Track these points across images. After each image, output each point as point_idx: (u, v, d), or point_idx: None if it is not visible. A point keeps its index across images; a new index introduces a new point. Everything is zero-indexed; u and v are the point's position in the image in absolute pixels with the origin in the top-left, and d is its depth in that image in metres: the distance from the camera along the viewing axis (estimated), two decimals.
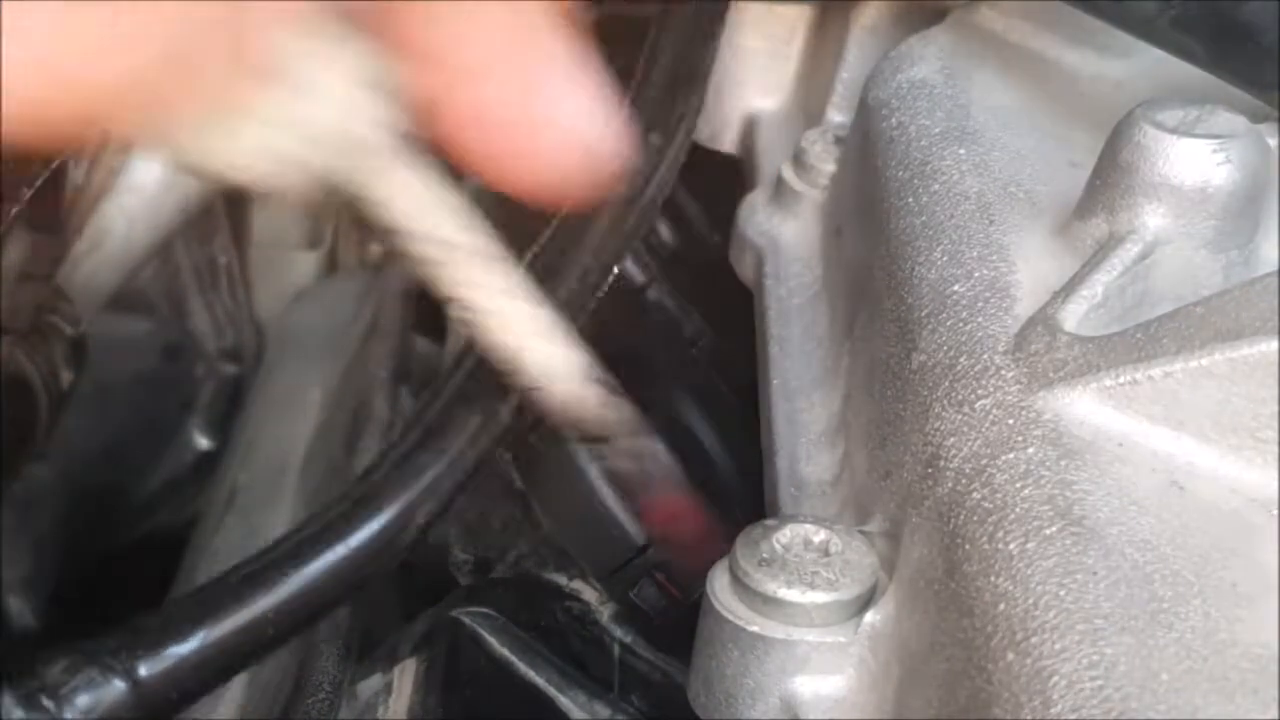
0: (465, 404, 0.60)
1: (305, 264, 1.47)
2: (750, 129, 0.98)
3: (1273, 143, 0.62)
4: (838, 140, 0.84)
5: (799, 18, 0.99)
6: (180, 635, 0.54)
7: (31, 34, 0.32)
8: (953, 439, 0.57)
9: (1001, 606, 0.50)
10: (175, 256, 1.33)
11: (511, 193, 0.44)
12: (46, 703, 0.51)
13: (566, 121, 0.43)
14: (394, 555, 0.58)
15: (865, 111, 0.78)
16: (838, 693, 0.56)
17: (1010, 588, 0.50)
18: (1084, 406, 0.55)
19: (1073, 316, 0.58)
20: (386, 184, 0.43)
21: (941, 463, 0.57)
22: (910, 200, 0.70)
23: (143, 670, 0.52)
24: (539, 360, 0.52)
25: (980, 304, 0.62)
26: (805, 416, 0.72)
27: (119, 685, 0.52)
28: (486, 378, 0.60)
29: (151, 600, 1.05)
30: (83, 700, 0.51)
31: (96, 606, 1.30)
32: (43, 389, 0.82)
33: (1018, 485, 0.53)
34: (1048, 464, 0.54)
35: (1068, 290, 0.59)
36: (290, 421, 1.08)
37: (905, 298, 0.66)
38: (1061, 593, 0.49)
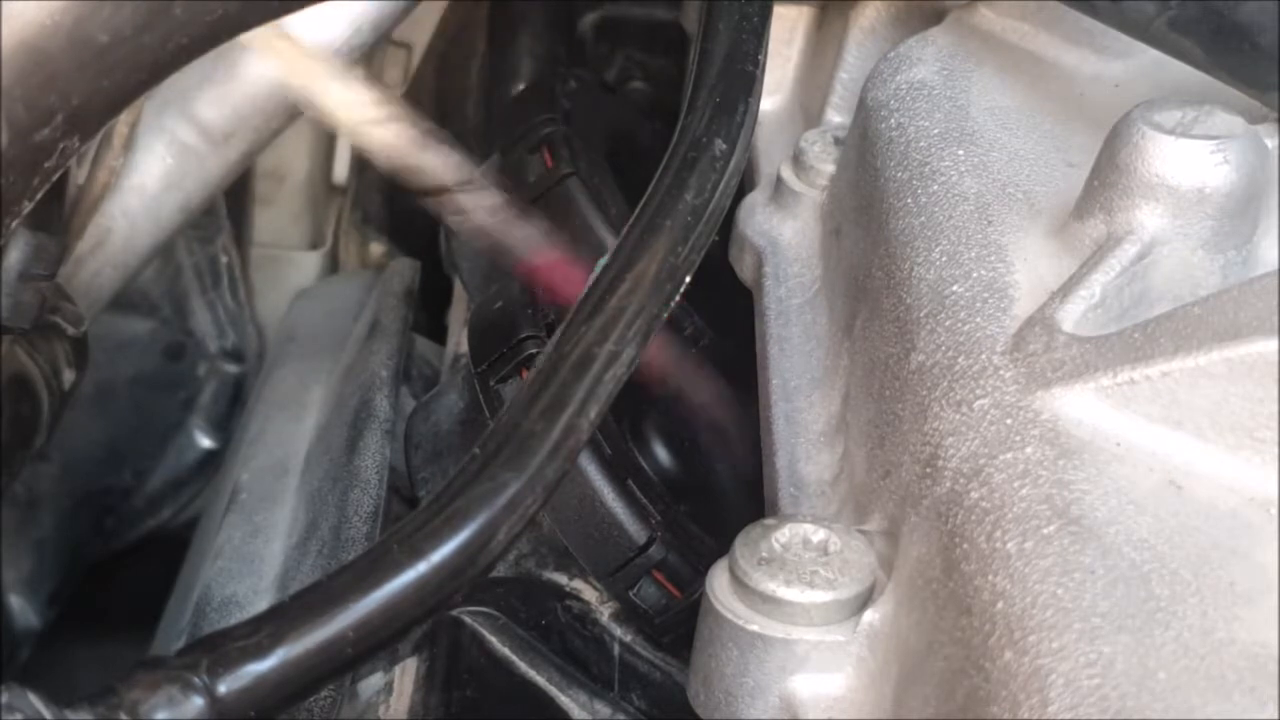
0: (544, 419, 0.58)
1: (306, 264, 1.47)
2: None
3: (1270, 143, 0.62)
4: (837, 141, 0.84)
5: (798, 18, 0.99)
6: (260, 653, 0.53)
7: None
8: (951, 439, 0.57)
9: (999, 605, 0.50)
10: (177, 256, 1.34)
11: None
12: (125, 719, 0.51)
13: None
14: (475, 573, 0.56)
15: (864, 112, 0.78)
16: (837, 691, 0.57)
17: (1008, 586, 0.50)
18: (1082, 406, 0.55)
19: (1071, 317, 0.58)
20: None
21: (940, 462, 0.57)
22: (909, 201, 0.70)
23: (222, 688, 0.52)
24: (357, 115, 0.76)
25: (979, 304, 0.62)
26: (805, 416, 0.72)
27: (198, 702, 0.51)
28: (563, 392, 0.59)
29: (153, 600, 1.06)
30: (161, 717, 0.51)
31: (97, 606, 1.31)
32: (45, 389, 0.82)
33: (1016, 485, 0.53)
34: (1045, 463, 0.54)
35: (1066, 290, 0.59)
36: (292, 421, 1.09)
37: (904, 298, 0.66)
38: (1059, 591, 0.49)
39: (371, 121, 0.74)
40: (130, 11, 0.50)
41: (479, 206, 0.77)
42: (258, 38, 0.72)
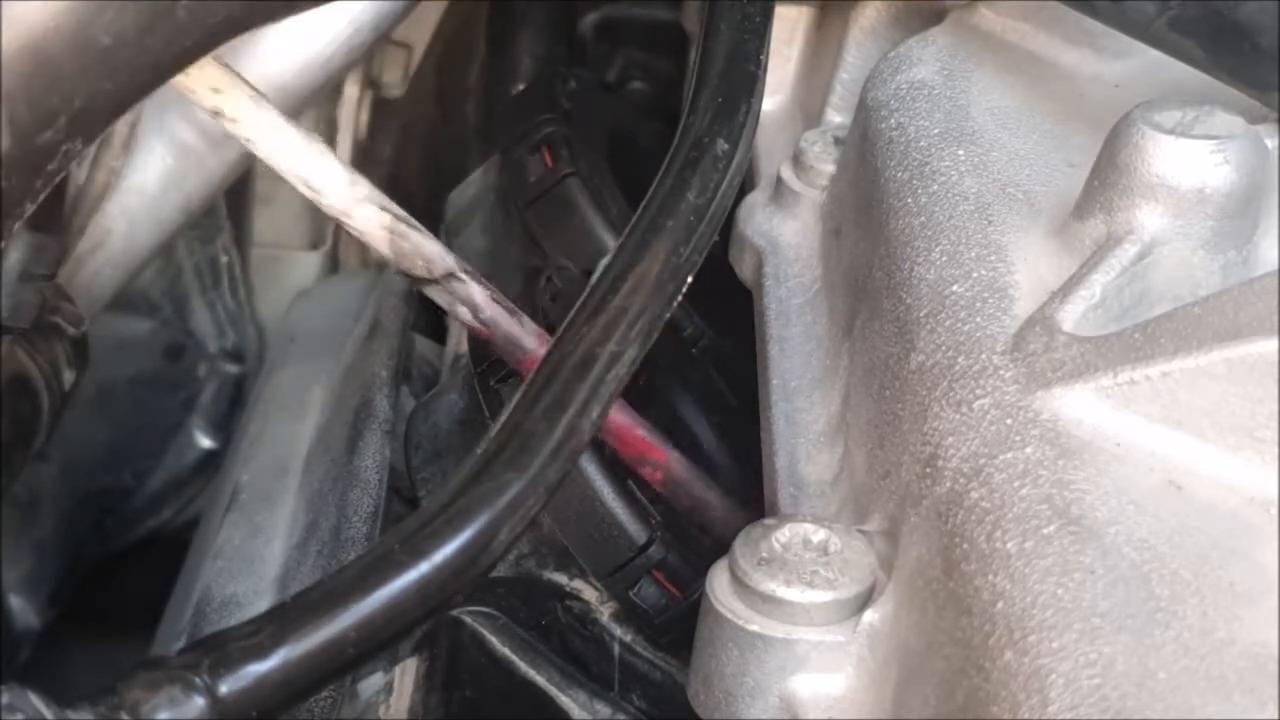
0: (546, 419, 0.58)
1: (307, 264, 1.47)
2: None
3: (1270, 143, 0.62)
4: (837, 141, 0.84)
5: (798, 18, 0.99)
6: (261, 653, 0.53)
7: None
8: (951, 439, 0.57)
9: (999, 605, 0.50)
10: (177, 257, 1.34)
11: None
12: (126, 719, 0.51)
13: None
14: (477, 573, 0.56)
15: (864, 112, 0.78)
16: (837, 691, 0.57)
17: (1008, 586, 0.50)
18: (1082, 406, 0.55)
19: (1071, 317, 0.58)
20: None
21: (940, 462, 0.57)
22: (909, 201, 0.70)
23: (223, 688, 0.52)
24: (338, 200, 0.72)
25: (979, 304, 0.62)
26: (805, 416, 0.72)
27: (199, 702, 0.52)
28: (566, 392, 0.59)
29: (153, 600, 1.06)
30: (162, 717, 0.51)
31: (97, 606, 1.31)
32: (45, 389, 0.82)
33: (1016, 485, 0.53)
34: (1045, 463, 0.54)
35: (1066, 290, 0.59)
36: (292, 421, 1.09)
37: (904, 298, 0.66)
38: (1059, 592, 0.49)
39: (350, 202, 0.72)
40: (133, 14, 0.50)
41: (468, 300, 0.76)
42: (230, 105, 0.69)
